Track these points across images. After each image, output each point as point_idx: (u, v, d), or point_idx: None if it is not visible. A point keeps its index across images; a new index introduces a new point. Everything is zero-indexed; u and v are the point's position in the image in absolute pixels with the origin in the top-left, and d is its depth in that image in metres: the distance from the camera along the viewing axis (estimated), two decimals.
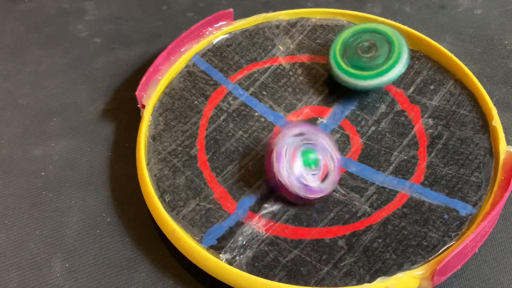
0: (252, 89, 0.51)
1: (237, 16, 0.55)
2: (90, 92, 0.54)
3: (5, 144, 0.50)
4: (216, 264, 0.40)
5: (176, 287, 0.42)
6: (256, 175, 0.45)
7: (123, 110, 0.52)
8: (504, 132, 0.46)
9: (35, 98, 0.54)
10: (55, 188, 0.47)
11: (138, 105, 0.49)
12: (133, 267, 0.43)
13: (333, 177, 0.43)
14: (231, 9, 0.54)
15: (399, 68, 0.47)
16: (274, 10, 0.56)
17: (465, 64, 0.50)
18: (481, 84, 0.48)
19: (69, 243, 0.44)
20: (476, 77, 0.49)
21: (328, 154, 0.43)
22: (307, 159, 0.42)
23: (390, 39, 0.48)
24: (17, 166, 0.49)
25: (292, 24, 0.55)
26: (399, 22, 0.54)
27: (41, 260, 0.43)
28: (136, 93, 0.48)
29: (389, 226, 0.42)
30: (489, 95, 0.48)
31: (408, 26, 0.53)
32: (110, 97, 0.53)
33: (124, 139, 0.50)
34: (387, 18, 0.54)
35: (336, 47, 0.49)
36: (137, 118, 0.49)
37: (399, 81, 0.51)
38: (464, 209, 0.42)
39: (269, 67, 0.52)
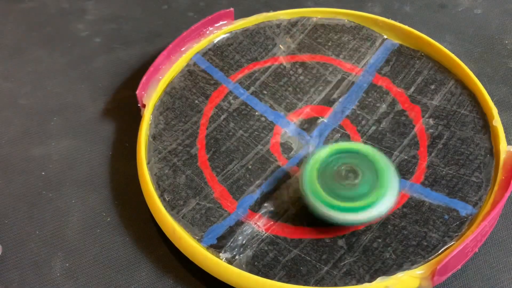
0: (252, 88, 0.51)
1: (238, 15, 0.55)
2: (90, 92, 0.54)
3: (5, 143, 0.50)
4: (216, 263, 0.40)
5: (176, 287, 0.42)
6: (256, 175, 0.45)
7: (123, 110, 0.52)
8: (505, 132, 0.46)
9: (35, 98, 0.54)
10: (55, 188, 0.47)
11: (139, 105, 0.49)
12: (133, 267, 0.43)
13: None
14: (231, 9, 0.54)
15: (391, 198, 0.40)
16: (275, 9, 0.56)
17: (465, 64, 0.50)
18: (481, 83, 0.48)
19: (69, 242, 0.44)
20: (476, 76, 0.49)
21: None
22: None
23: (373, 161, 0.41)
24: (17, 165, 0.49)
25: (293, 24, 0.55)
26: (399, 22, 0.54)
27: (41, 260, 0.43)
28: (137, 92, 0.48)
29: (389, 226, 0.42)
30: (489, 94, 0.48)
31: (408, 26, 0.53)
32: (110, 96, 0.53)
33: (124, 138, 0.50)
34: (387, 18, 0.54)
35: (312, 171, 0.41)
36: (137, 118, 0.49)
37: (399, 81, 0.51)
38: (464, 209, 0.42)
39: (269, 67, 0.52)
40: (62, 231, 0.45)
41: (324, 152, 0.42)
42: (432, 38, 0.52)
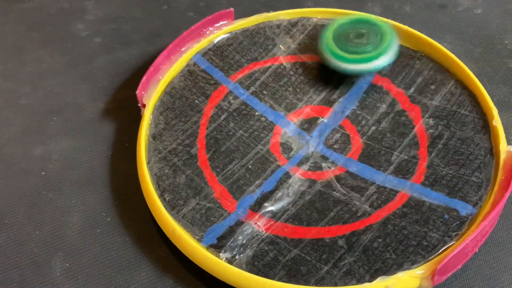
0: (252, 88, 0.51)
1: (238, 16, 0.55)
2: (90, 92, 0.54)
3: (5, 143, 0.50)
4: (216, 263, 0.40)
5: (176, 287, 0.42)
6: (256, 174, 0.45)
7: (123, 110, 0.52)
8: (505, 132, 0.46)
9: (35, 98, 0.54)
10: (55, 188, 0.47)
11: (139, 105, 0.49)
12: (133, 267, 0.43)
13: None
14: (231, 9, 0.54)
15: (386, 59, 0.49)
16: (274, 10, 0.56)
17: (465, 64, 0.50)
18: (481, 83, 0.48)
19: (69, 242, 0.44)
20: (476, 77, 0.49)
21: None
22: None
23: (383, 32, 0.50)
24: (17, 165, 0.49)
25: (293, 24, 0.55)
26: (399, 22, 0.54)
27: (41, 260, 0.43)
28: (137, 92, 0.48)
29: (389, 226, 0.42)
30: (489, 94, 0.48)
31: (408, 26, 0.53)
32: (110, 96, 0.53)
33: (124, 138, 0.50)
34: (387, 18, 0.54)
35: (330, 31, 0.51)
36: (137, 118, 0.49)
37: (399, 81, 0.51)
38: (464, 209, 0.42)
39: (270, 67, 0.52)
40: (62, 231, 0.45)
41: (340, 20, 0.52)
42: (432, 38, 0.52)
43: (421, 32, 0.53)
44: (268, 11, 0.56)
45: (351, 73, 0.50)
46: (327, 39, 0.50)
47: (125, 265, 0.43)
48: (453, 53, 0.51)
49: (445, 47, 0.51)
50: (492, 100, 0.47)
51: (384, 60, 0.49)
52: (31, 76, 0.55)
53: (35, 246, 0.44)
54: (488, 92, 0.48)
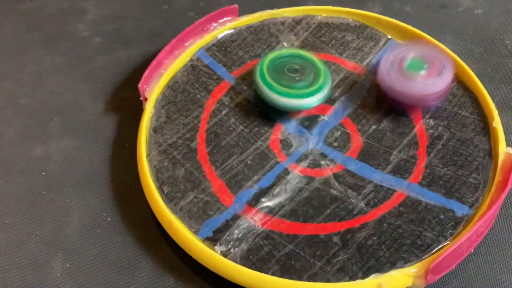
0: None
1: (239, 14, 0.56)
2: (90, 92, 0.54)
3: (6, 143, 0.50)
4: (210, 256, 0.40)
5: (177, 287, 0.42)
6: (255, 170, 0.46)
7: (124, 110, 0.52)
8: (504, 133, 0.46)
9: (36, 98, 0.54)
10: (55, 188, 0.47)
11: (141, 98, 0.49)
12: (134, 267, 0.43)
13: (447, 73, 0.46)
14: (236, 5, 0.55)
15: (319, 97, 0.47)
16: (276, 9, 0.56)
17: (466, 64, 0.50)
18: (481, 84, 0.48)
19: (70, 242, 0.44)
20: (477, 77, 0.49)
21: (440, 57, 0.47)
22: (412, 63, 0.46)
23: (318, 68, 0.48)
24: (18, 165, 0.49)
25: (298, 21, 0.56)
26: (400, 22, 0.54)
27: (41, 260, 0.43)
28: (139, 86, 0.49)
29: (384, 224, 0.42)
30: (490, 95, 0.48)
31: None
32: (110, 96, 0.54)
33: (125, 138, 0.50)
34: (388, 17, 0.54)
35: (264, 63, 0.48)
36: (138, 118, 0.49)
37: None
38: (460, 209, 0.42)
39: None
40: (62, 231, 0.45)
41: (275, 53, 0.50)
42: (433, 38, 0.52)
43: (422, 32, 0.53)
44: None
45: (277, 105, 0.47)
46: (263, 69, 0.48)
47: (125, 265, 0.43)
48: (454, 53, 0.51)
49: (446, 47, 0.51)
50: (493, 100, 0.47)
51: (316, 99, 0.47)
52: (31, 76, 0.56)
53: (36, 246, 0.44)
54: (488, 93, 0.48)
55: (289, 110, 0.48)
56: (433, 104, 0.48)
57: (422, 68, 0.46)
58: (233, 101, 0.50)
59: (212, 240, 0.41)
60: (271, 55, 0.49)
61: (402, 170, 0.45)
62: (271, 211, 0.43)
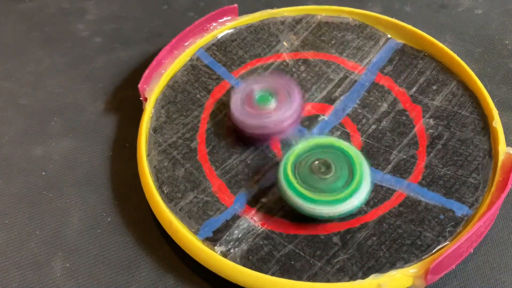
0: None
1: (239, 14, 0.56)
2: (90, 92, 0.54)
3: (6, 143, 0.50)
4: (210, 256, 0.40)
5: (177, 287, 0.42)
6: (255, 170, 0.46)
7: (124, 110, 0.52)
8: (504, 133, 0.46)
9: (36, 98, 0.54)
10: (55, 188, 0.47)
11: (141, 98, 0.49)
12: (134, 267, 0.43)
13: (293, 106, 0.45)
14: (235, 5, 0.55)
15: (364, 194, 0.41)
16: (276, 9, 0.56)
17: (466, 64, 0.50)
18: (481, 84, 0.48)
19: (70, 242, 0.44)
20: (477, 77, 0.49)
21: (286, 91, 0.46)
22: (259, 97, 0.46)
23: (349, 157, 0.42)
24: (18, 165, 0.49)
25: (298, 21, 0.55)
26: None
27: (41, 260, 0.43)
28: (139, 86, 0.49)
29: (384, 224, 0.42)
30: (489, 95, 0.48)
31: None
32: (110, 96, 0.54)
33: (125, 138, 0.50)
34: (388, 17, 0.54)
35: (288, 164, 0.42)
36: (138, 118, 0.49)
37: (402, 81, 0.51)
38: (460, 210, 0.42)
39: (272, 63, 0.53)
40: (62, 231, 0.45)
41: (300, 146, 0.43)
42: (433, 38, 0.52)
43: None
44: None
45: (319, 217, 0.41)
46: (287, 172, 0.41)
47: (125, 265, 0.43)
48: (454, 53, 0.51)
49: (446, 47, 0.51)
50: (493, 100, 0.47)
51: (359, 199, 0.40)
52: (31, 76, 0.56)
53: (36, 246, 0.44)
54: (488, 93, 0.48)
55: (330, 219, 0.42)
56: (288, 131, 0.46)
57: (270, 100, 0.45)
58: None
59: (212, 240, 0.41)
60: (291, 153, 0.43)
61: (402, 170, 0.45)
62: (271, 211, 0.43)
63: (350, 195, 0.40)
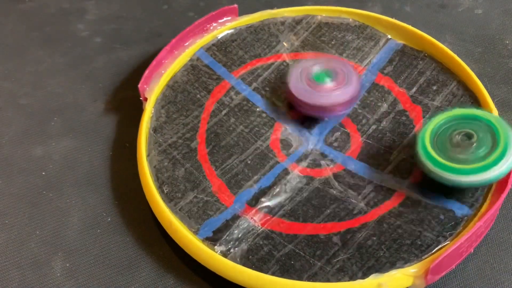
0: (254, 84, 0.51)
1: (239, 15, 0.56)
2: (90, 92, 0.54)
3: (6, 143, 0.50)
4: (210, 256, 0.40)
5: (177, 287, 0.42)
6: (255, 170, 0.46)
7: (124, 110, 0.52)
8: None
9: (36, 98, 0.54)
10: (55, 188, 0.47)
11: (141, 98, 0.49)
12: (134, 267, 0.43)
13: (354, 83, 0.46)
14: (235, 5, 0.55)
15: (509, 160, 0.40)
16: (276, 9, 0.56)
17: (466, 64, 0.50)
18: (481, 83, 0.48)
19: (70, 242, 0.44)
20: (477, 77, 0.49)
21: (346, 70, 0.47)
22: (317, 75, 0.46)
23: (493, 127, 0.41)
24: (18, 165, 0.49)
25: (298, 21, 0.56)
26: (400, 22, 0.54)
27: (41, 260, 0.43)
28: (139, 86, 0.49)
29: (384, 224, 0.42)
30: (490, 95, 0.48)
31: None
32: (110, 96, 0.54)
33: (125, 138, 0.50)
34: (388, 17, 0.54)
35: (425, 135, 0.43)
36: (138, 118, 0.49)
37: (402, 81, 0.51)
38: (460, 210, 0.42)
39: (272, 63, 0.53)
40: (62, 231, 0.45)
41: (440, 117, 0.43)
42: (433, 38, 0.52)
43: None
44: None
45: (465, 185, 0.41)
46: (425, 144, 0.42)
47: (125, 265, 0.43)
48: (454, 53, 0.51)
49: (446, 47, 0.51)
50: (493, 100, 0.47)
51: (507, 164, 0.40)
52: (31, 76, 0.56)
53: (36, 246, 0.44)
54: (488, 93, 0.48)
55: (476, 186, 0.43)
56: (341, 112, 0.48)
57: (328, 79, 0.46)
58: (233, 101, 0.50)
59: (212, 240, 0.41)
60: (430, 125, 0.43)
61: (402, 170, 0.45)
62: (271, 211, 0.43)
63: (496, 162, 0.40)
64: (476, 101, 0.48)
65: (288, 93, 0.47)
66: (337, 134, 0.48)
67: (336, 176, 0.45)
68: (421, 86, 0.50)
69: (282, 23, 0.55)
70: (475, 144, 0.41)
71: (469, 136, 0.42)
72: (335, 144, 0.47)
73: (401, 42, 0.54)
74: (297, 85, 0.46)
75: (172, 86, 0.51)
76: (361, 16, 0.55)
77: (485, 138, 0.41)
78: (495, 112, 0.46)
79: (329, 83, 0.46)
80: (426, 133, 0.43)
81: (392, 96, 0.50)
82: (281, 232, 0.42)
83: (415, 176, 0.44)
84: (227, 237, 0.42)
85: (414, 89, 0.50)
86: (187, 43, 0.53)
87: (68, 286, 0.42)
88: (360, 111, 0.49)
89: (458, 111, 0.43)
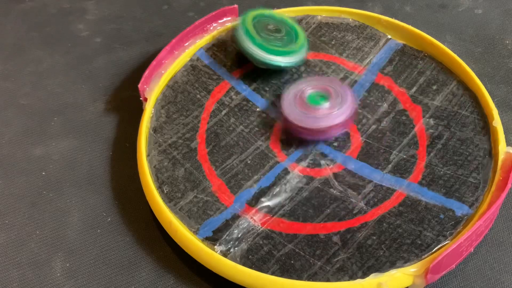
0: (254, 84, 0.51)
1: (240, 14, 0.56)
2: (90, 92, 0.54)
3: (6, 143, 0.50)
4: (210, 256, 0.40)
5: (177, 287, 0.42)
6: (255, 170, 0.46)
7: (124, 110, 0.52)
8: (504, 132, 0.46)
9: (36, 98, 0.54)
10: (55, 188, 0.47)
11: (141, 98, 0.49)
12: (134, 267, 0.43)
13: (348, 105, 0.46)
14: (235, 5, 0.55)
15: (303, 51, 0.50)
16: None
17: (466, 64, 0.50)
18: (481, 83, 0.48)
19: (70, 242, 0.44)
20: (477, 77, 0.49)
21: (340, 94, 0.47)
22: (313, 97, 0.46)
23: (292, 27, 0.52)
24: (18, 165, 0.49)
25: (298, 21, 0.55)
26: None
27: (41, 260, 0.43)
28: (139, 86, 0.49)
29: (384, 224, 0.42)
30: (490, 95, 0.48)
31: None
32: (110, 96, 0.54)
33: (125, 138, 0.50)
34: (388, 17, 0.54)
35: (246, 24, 0.50)
36: (138, 118, 0.49)
37: (402, 81, 0.51)
38: (460, 209, 0.42)
39: None
40: (62, 231, 0.45)
41: (256, 12, 0.52)
42: (433, 38, 0.52)
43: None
44: None
45: (264, 63, 0.49)
46: (247, 26, 0.50)
47: (125, 265, 0.43)
48: (454, 53, 0.51)
49: (446, 47, 0.51)
50: (493, 100, 0.47)
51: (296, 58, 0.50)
52: (31, 76, 0.56)
53: (36, 246, 0.44)
54: (488, 92, 0.48)
55: (267, 65, 0.50)
56: (336, 133, 0.47)
57: (322, 101, 0.46)
58: (233, 101, 0.50)
59: (212, 239, 0.41)
60: (248, 17, 0.51)
61: (402, 170, 0.45)
62: (271, 210, 0.43)
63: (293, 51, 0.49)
64: (476, 101, 0.48)
65: (284, 121, 0.47)
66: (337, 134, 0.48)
67: (336, 175, 0.45)
68: (421, 86, 0.50)
69: None
70: (283, 35, 0.50)
71: (278, 30, 0.51)
72: (335, 144, 0.47)
73: (401, 42, 0.54)
74: (293, 111, 0.46)
75: (172, 86, 0.51)
76: (361, 16, 0.55)
77: (289, 34, 0.51)
78: (495, 111, 0.47)
79: (325, 105, 0.46)
80: (247, 18, 0.51)
81: (392, 95, 0.50)
82: (281, 232, 0.42)
83: (415, 175, 0.44)
84: (227, 237, 0.42)
85: (414, 89, 0.50)
86: (187, 43, 0.53)
87: (68, 286, 0.42)
88: (360, 110, 0.49)
89: (270, 12, 0.53)
